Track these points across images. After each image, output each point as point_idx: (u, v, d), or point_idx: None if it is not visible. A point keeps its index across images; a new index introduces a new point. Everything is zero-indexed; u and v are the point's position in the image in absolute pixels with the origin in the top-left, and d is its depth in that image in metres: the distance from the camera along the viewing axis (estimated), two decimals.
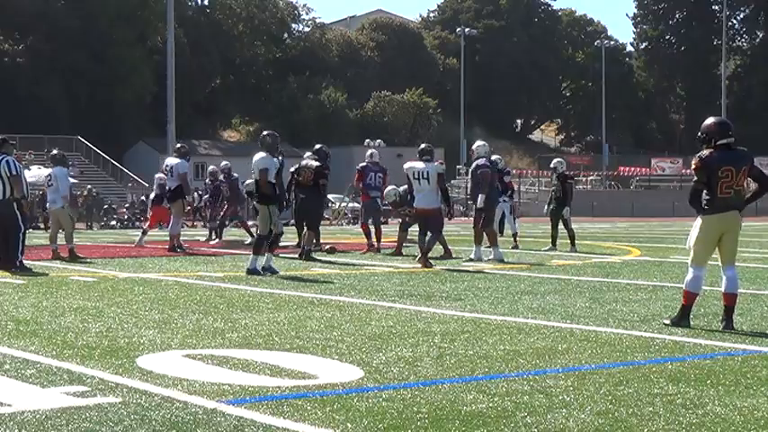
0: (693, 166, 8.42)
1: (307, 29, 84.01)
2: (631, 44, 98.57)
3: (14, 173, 14.38)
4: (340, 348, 7.37)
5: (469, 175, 17.55)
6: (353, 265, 15.91)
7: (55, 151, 18.19)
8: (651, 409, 5.43)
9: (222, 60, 73.42)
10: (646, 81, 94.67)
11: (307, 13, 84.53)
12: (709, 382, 6.18)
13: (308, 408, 5.40)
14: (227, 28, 76.10)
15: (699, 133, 8.45)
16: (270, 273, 13.68)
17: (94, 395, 5.70)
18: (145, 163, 62.73)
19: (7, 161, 14.42)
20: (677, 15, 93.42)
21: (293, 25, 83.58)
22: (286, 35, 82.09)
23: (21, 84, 59.80)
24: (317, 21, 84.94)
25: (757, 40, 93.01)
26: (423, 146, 16.36)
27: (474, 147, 17.52)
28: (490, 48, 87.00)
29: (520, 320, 9.00)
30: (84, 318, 9.08)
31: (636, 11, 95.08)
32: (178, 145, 21.03)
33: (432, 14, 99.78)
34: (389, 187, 19.30)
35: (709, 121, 8.54)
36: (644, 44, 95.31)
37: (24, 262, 14.49)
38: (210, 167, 25.39)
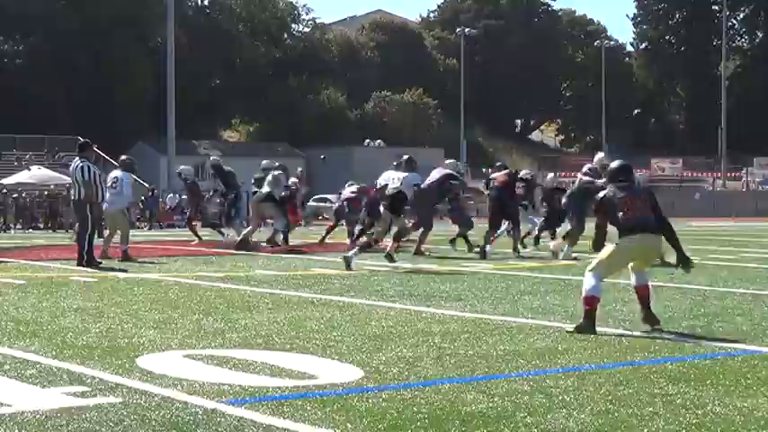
0: None
1: (307, 29, 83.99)
2: (631, 44, 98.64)
3: (86, 178, 15.49)
4: (340, 348, 7.37)
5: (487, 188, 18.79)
6: (354, 264, 15.89)
7: (124, 156, 18.92)
8: (651, 409, 5.43)
9: (222, 60, 73.40)
10: (646, 81, 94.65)
11: (307, 14, 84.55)
12: (709, 382, 6.18)
13: (308, 408, 5.40)
14: (227, 28, 76.09)
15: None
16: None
17: (94, 395, 5.70)
18: (145, 163, 62.54)
19: (82, 167, 15.59)
20: (677, 15, 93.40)
21: (293, 25, 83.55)
22: (286, 35, 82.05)
23: (21, 84, 59.78)
24: (317, 21, 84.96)
25: (757, 40, 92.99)
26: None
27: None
28: (490, 48, 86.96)
29: (520, 321, 9.00)
30: (85, 318, 9.08)
31: (636, 11, 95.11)
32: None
33: (432, 14, 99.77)
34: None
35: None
36: (644, 44, 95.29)
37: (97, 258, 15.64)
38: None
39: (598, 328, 8.43)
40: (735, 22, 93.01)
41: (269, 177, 19.78)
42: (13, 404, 5.44)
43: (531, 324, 8.75)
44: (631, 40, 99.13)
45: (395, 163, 17.40)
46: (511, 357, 7.03)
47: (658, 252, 8.80)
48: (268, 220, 21.32)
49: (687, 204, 54.09)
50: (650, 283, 8.71)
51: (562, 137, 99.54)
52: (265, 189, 19.62)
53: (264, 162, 22.03)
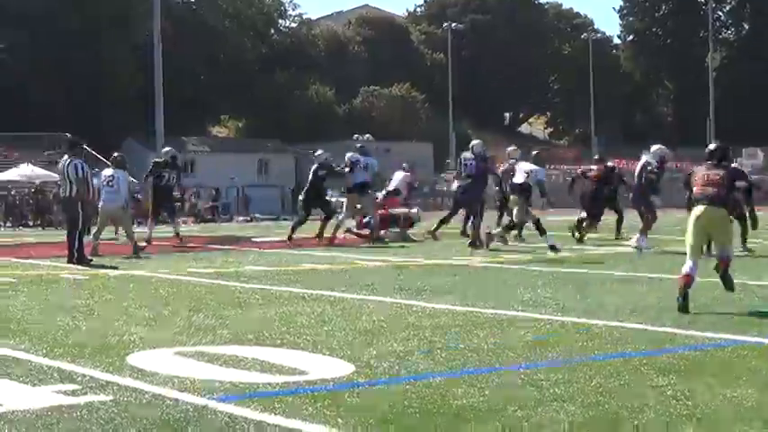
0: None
1: (294, 24, 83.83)
2: (618, 36, 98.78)
3: (79, 176, 15.61)
4: (330, 344, 7.37)
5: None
6: (344, 259, 15.91)
7: (116, 154, 18.92)
8: (642, 400, 5.45)
9: (209, 56, 73.20)
10: (633, 73, 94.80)
11: (293, 9, 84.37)
12: (698, 372, 6.20)
13: (299, 404, 5.40)
14: (213, 24, 75.87)
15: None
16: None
17: (85, 393, 5.69)
18: (134, 160, 62.33)
19: (75, 164, 15.68)
20: (663, 7, 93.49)
21: (280, 21, 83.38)
22: (273, 31, 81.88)
23: (19, 83, 59.52)
24: (304, 16, 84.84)
25: (743, 32, 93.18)
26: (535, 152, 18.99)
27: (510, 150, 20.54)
28: (477, 42, 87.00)
29: (511, 313, 9.01)
30: (75, 316, 9.06)
31: (622, 3, 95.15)
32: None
33: (418, 9, 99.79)
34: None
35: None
36: (630, 36, 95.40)
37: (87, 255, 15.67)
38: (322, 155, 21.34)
39: (589, 321, 8.46)
40: (721, 14, 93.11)
41: (358, 161, 20.12)
42: (4, 403, 5.43)
43: (522, 317, 8.76)
44: (618, 33, 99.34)
45: (514, 152, 20.05)
46: (501, 350, 7.04)
47: (722, 223, 9.55)
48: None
49: (676, 195, 54.14)
50: (731, 256, 9.86)
51: (551, 129, 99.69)
52: (360, 178, 20.00)
53: (318, 153, 21.33)
